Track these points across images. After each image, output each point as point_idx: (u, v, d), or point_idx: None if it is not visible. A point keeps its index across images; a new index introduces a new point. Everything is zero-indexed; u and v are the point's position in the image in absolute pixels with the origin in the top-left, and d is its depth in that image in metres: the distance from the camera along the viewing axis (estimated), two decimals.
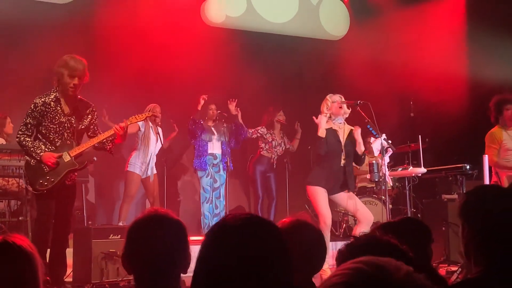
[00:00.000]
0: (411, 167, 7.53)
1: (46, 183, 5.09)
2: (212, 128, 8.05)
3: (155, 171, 7.72)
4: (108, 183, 8.54)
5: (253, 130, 8.39)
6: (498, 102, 6.65)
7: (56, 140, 5.16)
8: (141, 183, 7.65)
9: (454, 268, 6.19)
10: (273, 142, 8.49)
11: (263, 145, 8.50)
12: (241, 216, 1.51)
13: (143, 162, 7.54)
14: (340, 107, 6.03)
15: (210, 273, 1.42)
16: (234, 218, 1.50)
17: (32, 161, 5.12)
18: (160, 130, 7.70)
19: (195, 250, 1.59)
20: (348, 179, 6.02)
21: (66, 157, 5.14)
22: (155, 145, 7.61)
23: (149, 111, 7.29)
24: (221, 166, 8.02)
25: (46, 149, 5.11)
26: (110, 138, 5.27)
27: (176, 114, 8.31)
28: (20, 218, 6.65)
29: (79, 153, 5.20)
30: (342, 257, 1.83)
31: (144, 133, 7.55)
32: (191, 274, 1.50)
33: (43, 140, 5.15)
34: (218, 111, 8.04)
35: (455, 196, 7.47)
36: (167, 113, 8.00)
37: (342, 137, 6.04)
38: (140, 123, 7.36)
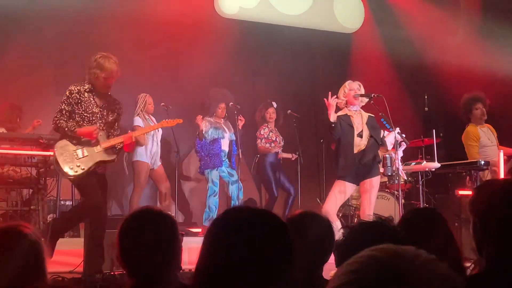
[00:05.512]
0: (424, 162, 7.44)
1: (75, 170, 5.13)
2: (224, 126, 8.00)
3: (159, 163, 7.73)
4: (116, 172, 8.51)
5: (258, 140, 8.25)
6: (467, 101, 6.76)
7: None
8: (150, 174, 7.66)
9: (467, 265, 6.12)
10: (277, 139, 8.38)
11: (267, 144, 8.35)
12: (242, 210, 1.46)
13: (150, 151, 7.54)
14: (356, 98, 5.98)
15: (210, 267, 1.38)
16: (236, 212, 1.46)
17: (68, 146, 5.13)
18: (153, 119, 7.66)
19: (196, 241, 1.56)
20: (370, 165, 5.92)
21: (97, 148, 5.19)
22: (154, 134, 7.59)
23: (143, 101, 7.38)
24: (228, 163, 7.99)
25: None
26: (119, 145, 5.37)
27: (187, 106, 8.28)
28: (32, 207, 6.66)
29: (109, 146, 5.26)
30: (339, 247, 1.84)
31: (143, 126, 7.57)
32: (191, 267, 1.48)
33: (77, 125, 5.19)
34: (231, 103, 7.97)
35: (469, 192, 7.36)
36: (178, 105, 7.97)
37: (359, 122, 5.97)
38: (136, 118, 7.44)
